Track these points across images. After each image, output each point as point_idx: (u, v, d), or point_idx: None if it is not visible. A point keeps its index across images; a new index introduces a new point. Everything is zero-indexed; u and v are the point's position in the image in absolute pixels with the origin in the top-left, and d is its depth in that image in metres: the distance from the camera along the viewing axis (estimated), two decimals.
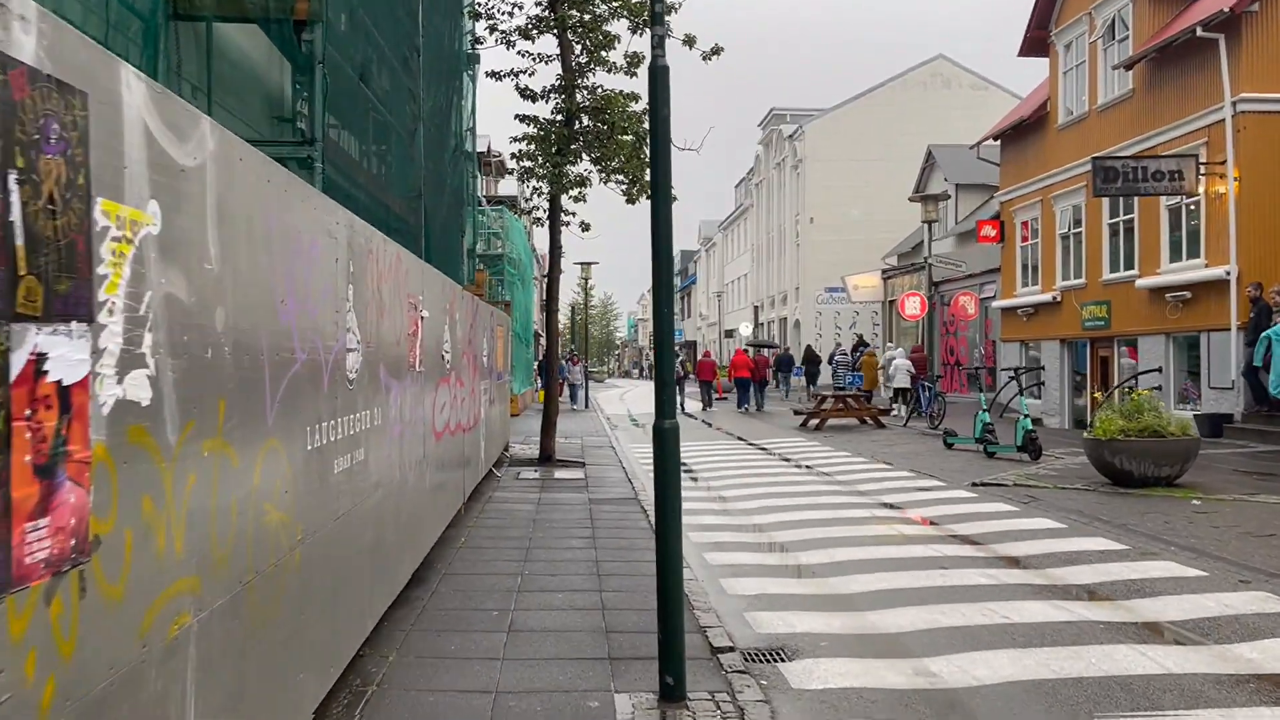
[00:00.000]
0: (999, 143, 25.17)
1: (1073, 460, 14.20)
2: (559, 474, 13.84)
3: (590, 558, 8.15)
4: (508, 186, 36.29)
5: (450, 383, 8.37)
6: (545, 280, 15.20)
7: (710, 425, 24.55)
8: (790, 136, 48.17)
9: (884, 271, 36.44)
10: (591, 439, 19.99)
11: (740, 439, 20.45)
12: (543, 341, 63.40)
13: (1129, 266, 19.15)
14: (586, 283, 34.93)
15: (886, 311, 36.08)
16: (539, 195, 15.70)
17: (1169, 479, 11.22)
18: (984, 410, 16.03)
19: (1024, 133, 23.35)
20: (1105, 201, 19.83)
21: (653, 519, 10.36)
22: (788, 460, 16.01)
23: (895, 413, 24.68)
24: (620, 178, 15.18)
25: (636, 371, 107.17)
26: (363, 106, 7.55)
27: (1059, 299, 21.76)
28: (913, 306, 29.49)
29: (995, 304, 25.55)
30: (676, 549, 4.97)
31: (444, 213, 11.87)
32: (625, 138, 14.49)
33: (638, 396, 45.05)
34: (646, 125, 14.38)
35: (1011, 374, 18.72)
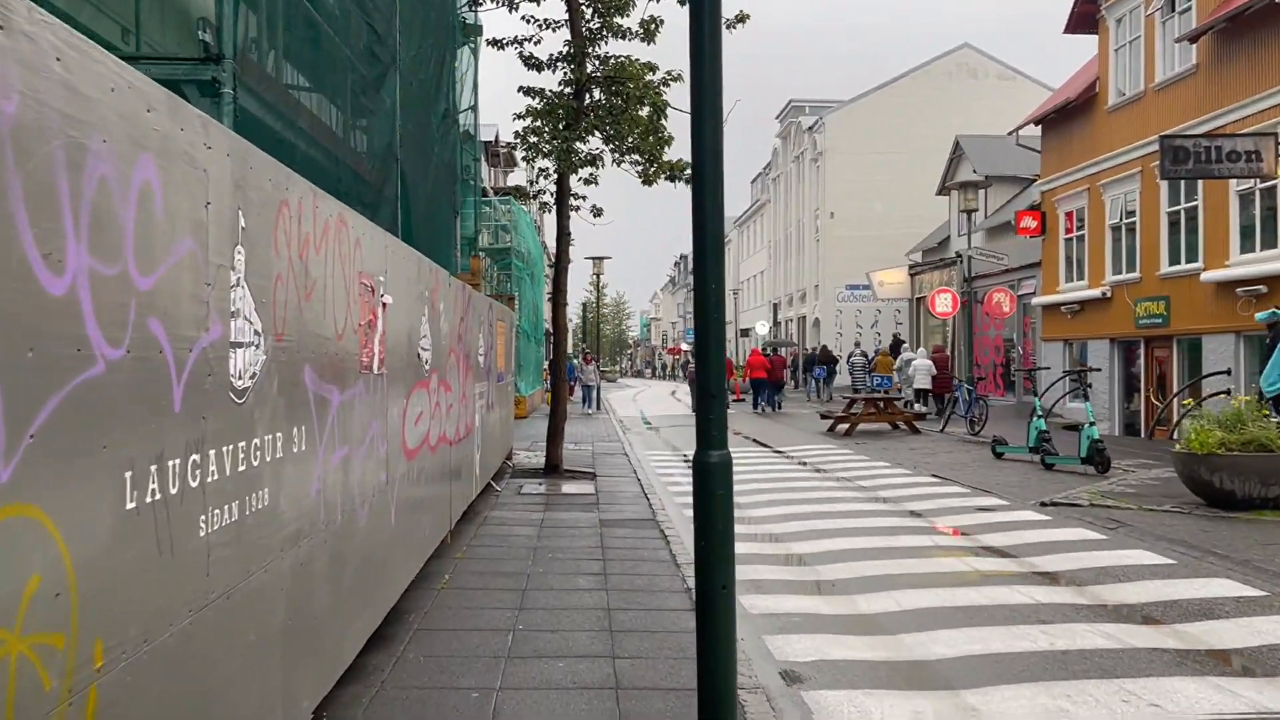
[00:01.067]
0: (1039, 129, 23.52)
1: (1147, 474, 12.59)
2: (566, 488, 12.31)
3: (600, 603, 6.60)
4: (517, 180, 34.88)
5: (431, 387, 6.84)
6: (554, 270, 13.71)
7: (731, 430, 22.95)
8: (810, 129, 46.54)
9: (911, 267, 34.78)
10: (603, 445, 18.46)
11: (764, 445, 18.88)
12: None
13: (1191, 258, 17.50)
14: (599, 279, 33.42)
15: (913, 309, 34.42)
16: (545, 177, 14.20)
17: (1279, 501, 9.62)
18: (1039, 416, 14.42)
19: (1069, 116, 21.69)
20: (1164, 188, 18.19)
21: (675, 548, 8.86)
22: (821, 471, 14.43)
23: (928, 415, 23.06)
24: (636, 157, 13.69)
25: (649, 371, 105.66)
26: (307, 29, 5.99)
27: (1109, 295, 20.11)
28: (943, 304, 27.86)
29: (1035, 300, 23.89)
30: (728, 642, 3.41)
31: (429, 187, 10.37)
32: (642, 111, 12.96)
33: (651, 397, 43.53)
34: (665, 96, 12.87)
35: (1064, 375, 17.11)
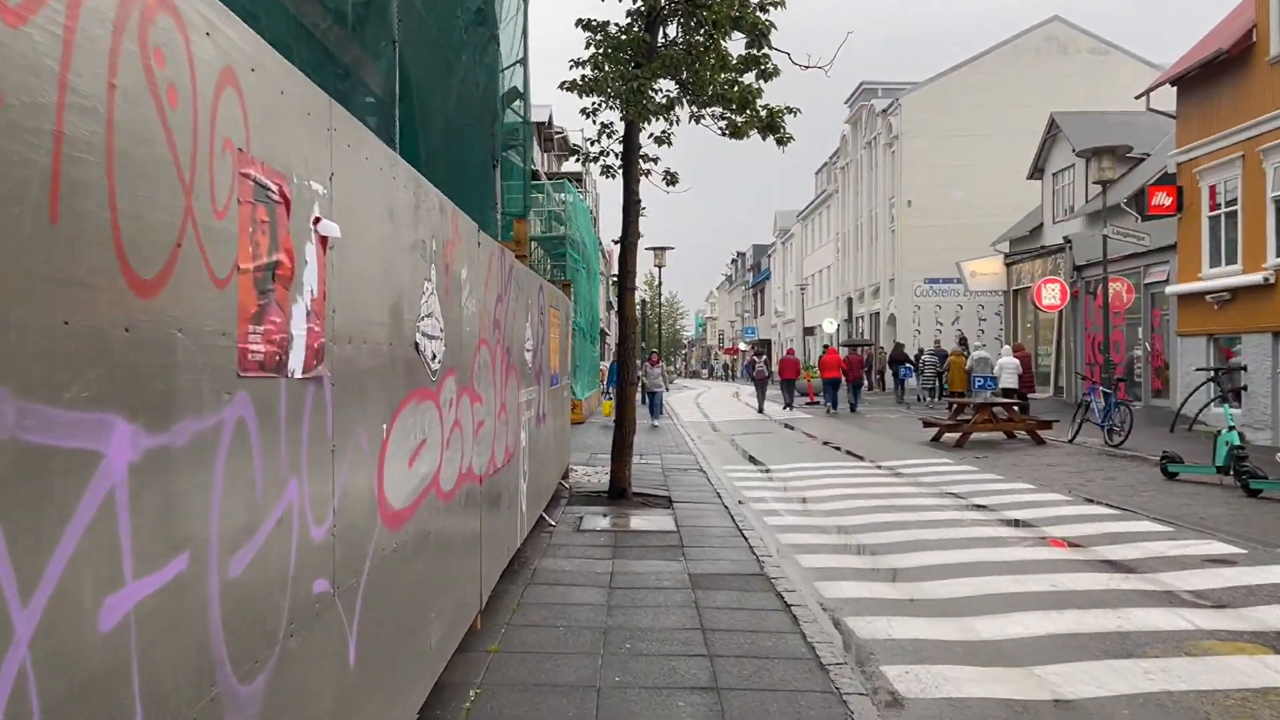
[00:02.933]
0: (1174, 91, 20.33)
1: None
2: (637, 520, 9.66)
3: None
4: (572, 169, 32.38)
5: (443, 399, 4.25)
6: (619, 247, 11.05)
7: (815, 438, 20.15)
8: (884, 111, 43.38)
9: (1007, 256, 31.54)
10: (673, 458, 15.79)
11: (859, 458, 16.07)
12: (610, 339, 59.92)
13: None
14: (659, 271, 30.72)
15: (1011, 302, 31.19)
16: (609, 135, 11.58)
17: None
18: (1230, 428, 11.44)
19: (1215, 73, 18.51)
20: None
21: (808, 628, 5.10)
22: (955, 497, 11.59)
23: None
24: (718, 109, 11.05)
25: (706, 372, 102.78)
26: None
27: (1272, 280, 16.92)
28: (1051, 295, 24.80)
29: (1170, 289, 20.68)
30: None
31: (451, 107, 7.82)
32: (730, 42, 10.30)
33: (714, 399, 40.79)
34: (767, 17, 10.18)
35: (1213, 375, 14.06)
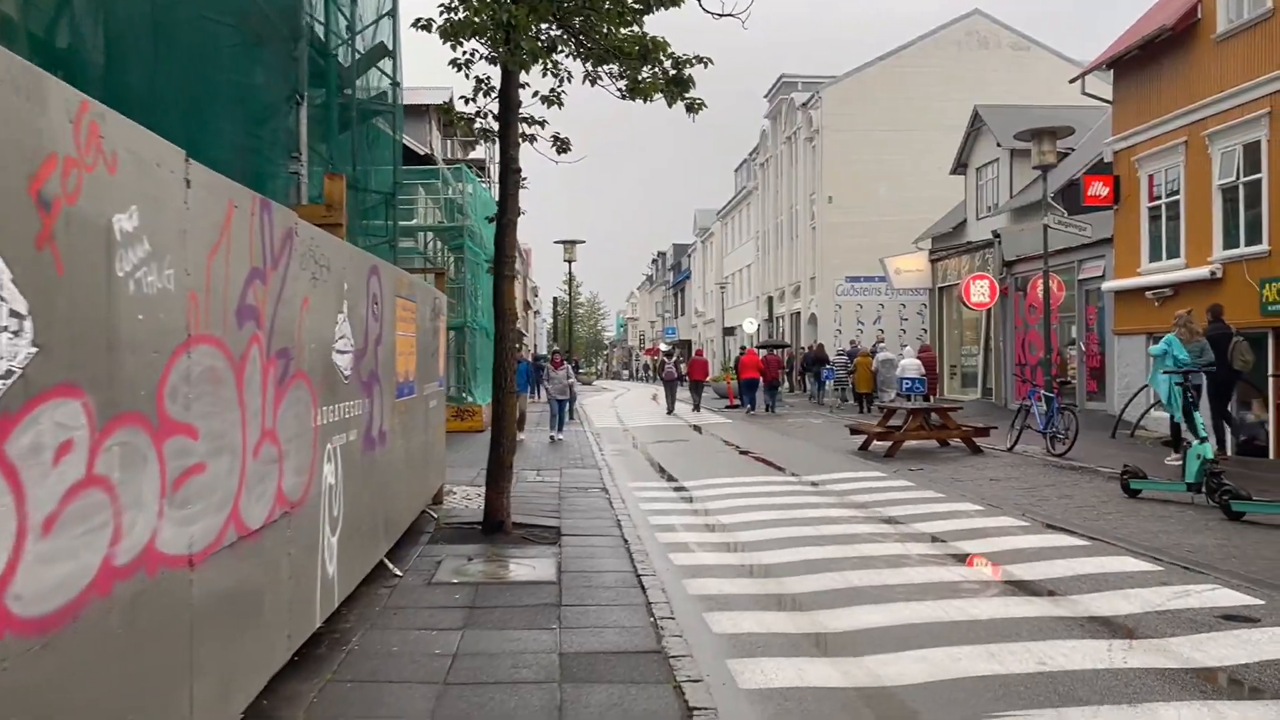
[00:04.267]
0: (1110, 74, 19.18)
1: None
2: (510, 566, 7.72)
3: None
4: (478, 158, 30.19)
5: (78, 441, 2.24)
6: (495, 226, 9.06)
7: (733, 446, 18.44)
8: (805, 105, 42.12)
9: (932, 252, 30.37)
10: (575, 473, 13.88)
11: (783, 470, 14.39)
12: (528, 339, 57.26)
13: None
14: (571, 267, 28.75)
15: (936, 300, 30.01)
16: (487, 94, 9.63)
17: None
18: (1203, 440, 9.99)
19: (1156, 53, 17.33)
20: None
21: None
22: (894, 524, 9.91)
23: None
24: (617, 67, 9.23)
25: (626, 373, 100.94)
26: None
27: (1219, 274, 15.76)
28: (980, 292, 23.60)
29: (1107, 285, 19.51)
30: None
31: (201, 19, 5.77)
32: None
33: (631, 402, 39.02)
34: None
35: (1181, 375, 12.65)
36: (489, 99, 9.60)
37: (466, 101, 9.89)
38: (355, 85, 11.42)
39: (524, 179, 9.20)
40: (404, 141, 23.99)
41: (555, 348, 27.79)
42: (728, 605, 6.71)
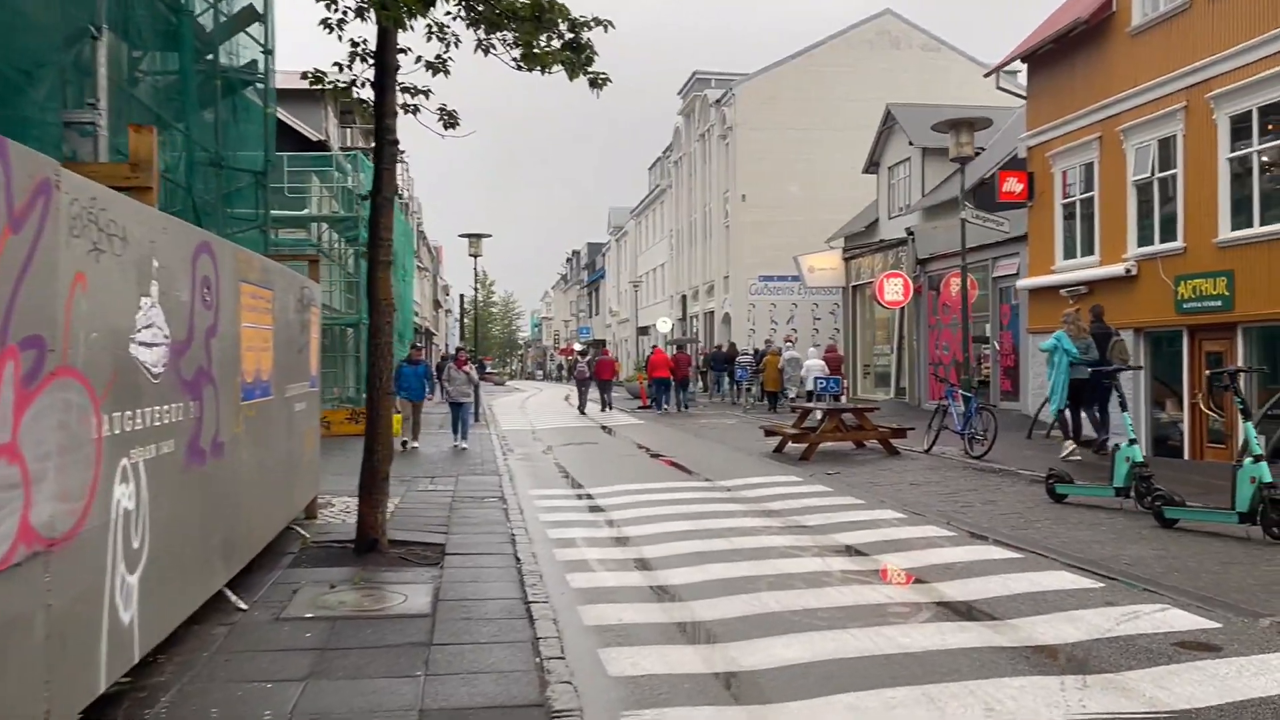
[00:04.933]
0: (1025, 68, 18.93)
1: None
2: (380, 594, 6.69)
3: None
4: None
5: None
6: (369, 205, 8.02)
7: (645, 449, 17.60)
8: (718, 101, 41.62)
9: (845, 251, 30.05)
10: (473, 480, 12.86)
11: (695, 475, 13.60)
12: (438, 340, 55.93)
13: (1275, 218, 12.96)
14: (478, 262, 27.52)
15: (850, 298, 29.69)
16: (362, 59, 8.61)
17: None
18: (1131, 442, 9.49)
19: (1070, 47, 17.08)
20: (1223, 126, 13.65)
21: None
22: (814, 533, 9.16)
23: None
24: (511, 34, 8.32)
25: (541, 373, 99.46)
26: None
27: (1134, 271, 15.53)
28: (894, 291, 23.25)
29: (1021, 283, 19.26)
30: None
31: None
32: None
33: (543, 403, 37.95)
34: None
35: (1106, 378, 12.31)
36: (366, 65, 8.58)
37: (341, 69, 8.84)
38: (219, 52, 10.21)
39: (403, 153, 8.18)
40: (298, 128, 22.61)
41: (459, 346, 26.59)
42: (628, 638, 5.82)
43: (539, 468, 15.24)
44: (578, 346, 72.67)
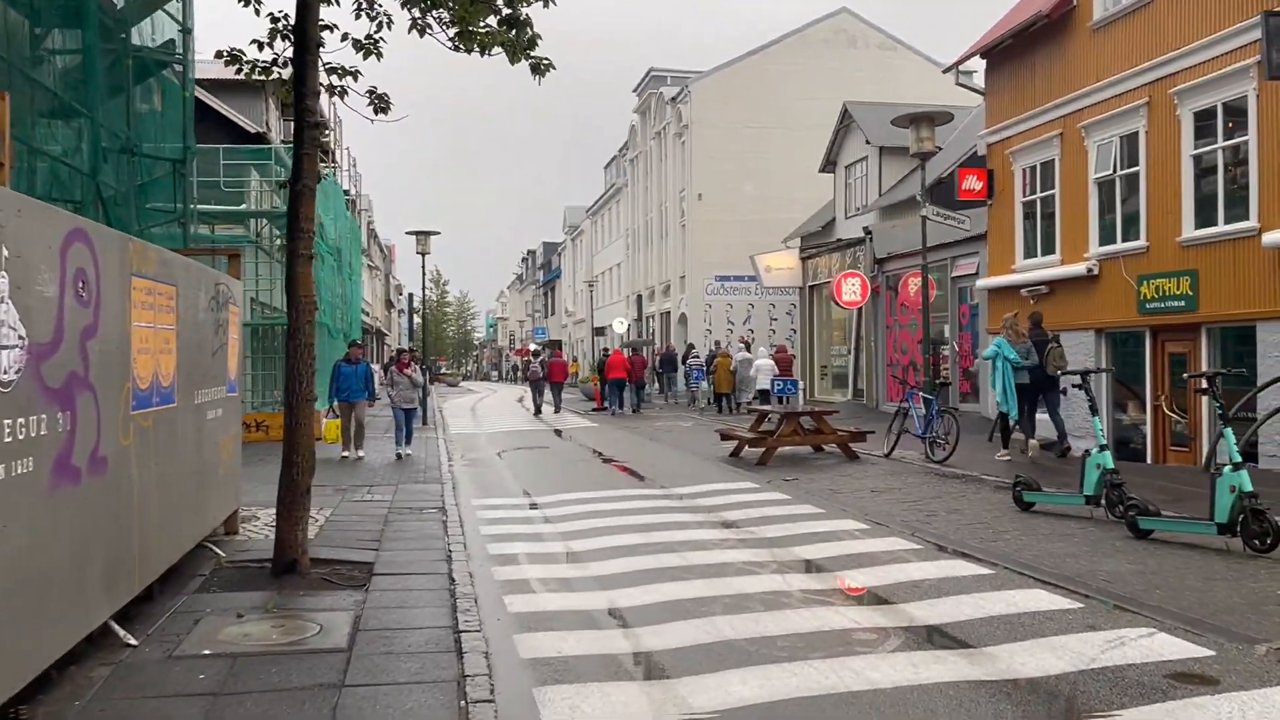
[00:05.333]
0: (984, 64, 18.61)
1: None
2: (293, 624, 6.01)
3: None
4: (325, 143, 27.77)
5: None
6: (289, 193, 7.34)
7: (598, 454, 16.99)
8: (674, 99, 41.13)
9: (802, 250, 29.67)
10: (412, 489, 12.17)
11: (648, 481, 13.03)
12: (390, 341, 55.12)
13: (1238, 216, 12.70)
14: (425, 260, 26.66)
15: (807, 298, 29.31)
16: (283, 36, 7.94)
17: None
18: (1102, 448, 9.07)
19: (1031, 42, 16.77)
20: (1187, 122, 13.37)
21: None
22: (772, 547, 8.61)
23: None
24: (445, 12, 7.74)
25: (496, 374, 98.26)
26: None
27: (1095, 270, 15.24)
28: (851, 290, 22.85)
29: (981, 283, 18.95)
30: None
31: None
32: None
33: (494, 405, 37.18)
34: None
35: (1078, 381, 11.92)
36: (289, 43, 7.89)
37: (261, 47, 8.15)
38: (131, 32, 9.43)
39: (325, 136, 7.51)
40: (235, 120, 21.68)
41: (403, 346, 25.75)
42: (568, 674, 5.21)
43: (485, 474, 14.57)
44: (533, 347, 71.86)
